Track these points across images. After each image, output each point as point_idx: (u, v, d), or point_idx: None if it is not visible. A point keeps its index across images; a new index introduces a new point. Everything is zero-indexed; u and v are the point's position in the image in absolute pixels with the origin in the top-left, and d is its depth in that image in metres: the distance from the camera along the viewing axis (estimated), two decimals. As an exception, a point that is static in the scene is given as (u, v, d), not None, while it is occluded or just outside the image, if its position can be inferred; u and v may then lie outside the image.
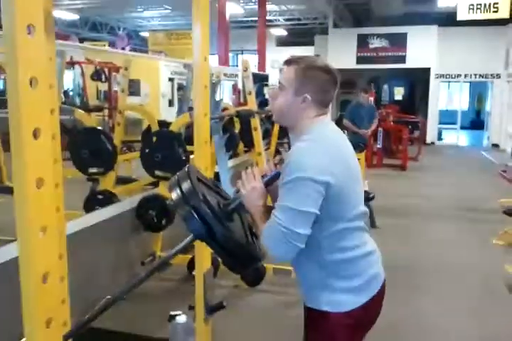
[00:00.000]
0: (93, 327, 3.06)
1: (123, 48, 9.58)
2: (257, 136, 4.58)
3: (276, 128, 6.39)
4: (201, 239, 1.41)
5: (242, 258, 1.45)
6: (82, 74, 10.21)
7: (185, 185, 1.40)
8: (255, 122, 4.59)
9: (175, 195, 1.40)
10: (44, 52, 1.09)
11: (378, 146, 7.38)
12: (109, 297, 3.44)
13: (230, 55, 14.35)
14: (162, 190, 3.87)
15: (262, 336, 3.08)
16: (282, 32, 17.46)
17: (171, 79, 12.74)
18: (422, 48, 13.85)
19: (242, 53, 18.81)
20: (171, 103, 12.57)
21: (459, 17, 10.23)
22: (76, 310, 2.09)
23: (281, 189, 1.46)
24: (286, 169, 1.45)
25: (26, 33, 1.02)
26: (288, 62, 1.58)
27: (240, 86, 11.53)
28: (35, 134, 1.04)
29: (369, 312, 1.58)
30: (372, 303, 1.56)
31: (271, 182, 1.59)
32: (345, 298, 1.52)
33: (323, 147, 1.48)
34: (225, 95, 13.58)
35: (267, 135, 6.32)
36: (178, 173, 1.49)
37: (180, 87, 11.90)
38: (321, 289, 1.53)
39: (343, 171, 1.48)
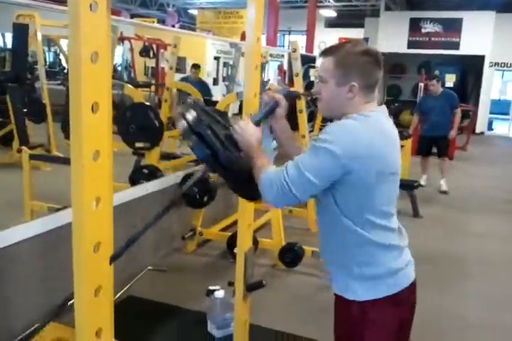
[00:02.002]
0: (133, 296, 3.18)
1: (173, 26, 9.62)
2: (302, 118, 4.56)
3: (321, 111, 6.32)
4: (206, 162, 1.48)
5: (248, 181, 1.51)
6: (131, 49, 10.35)
7: (190, 116, 1.48)
8: (301, 104, 4.56)
9: (181, 125, 1.46)
10: (105, 28, 1.11)
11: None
12: (150, 268, 3.54)
13: (277, 35, 14.20)
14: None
15: (294, 315, 3.11)
16: (332, 13, 17.12)
17: (216, 58, 12.75)
18: (478, 35, 13.30)
19: (290, 34, 18.59)
20: (215, 82, 12.60)
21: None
22: (117, 280, 2.15)
23: (309, 144, 1.46)
24: (323, 134, 1.43)
25: (89, 9, 1.04)
26: (324, 53, 1.52)
27: (285, 67, 11.43)
28: (94, 108, 1.07)
29: (401, 304, 1.55)
30: (407, 292, 1.54)
31: (266, 116, 1.69)
32: (376, 285, 1.51)
33: (367, 133, 1.42)
34: (270, 76, 13.50)
35: (311, 117, 6.28)
36: (181, 107, 1.56)
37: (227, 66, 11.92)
38: (352, 279, 1.52)
39: (377, 164, 1.42)
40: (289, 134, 1.79)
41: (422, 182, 6.50)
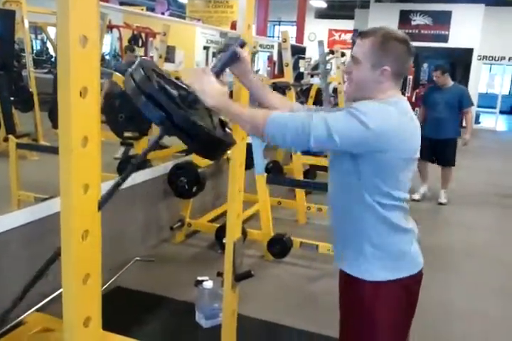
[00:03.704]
0: (121, 286, 3.16)
1: (162, 13, 9.52)
2: (292, 109, 4.54)
3: (310, 103, 6.32)
4: (162, 125, 1.33)
5: (207, 142, 1.38)
6: (120, 38, 10.22)
7: (138, 75, 1.33)
8: (291, 95, 4.55)
9: (129, 86, 1.33)
10: (94, 11, 1.08)
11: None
12: (138, 258, 3.52)
13: (267, 25, 14.11)
14: (194, 157, 3.89)
15: (282, 306, 3.12)
16: (322, 4, 17.05)
17: (206, 48, 12.66)
18: (467, 28, 13.33)
19: (280, 24, 18.50)
20: (204, 72, 12.51)
21: (510, -4, 9.81)
22: (104, 270, 2.14)
23: (341, 110, 1.44)
24: (357, 105, 1.43)
25: (78, -9, 1.01)
26: (363, 35, 1.53)
27: (275, 58, 11.38)
28: (82, 93, 1.04)
29: (411, 287, 1.61)
30: (413, 280, 1.60)
31: (228, 65, 1.54)
32: (387, 267, 1.53)
33: (399, 116, 1.45)
34: (260, 66, 13.42)
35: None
36: (131, 68, 1.39)
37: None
38: (363, 258, 1.54)
39: (406, 146, 1.46)
40: (259, 84, 1.67)
41: (416, 197, 5.69)
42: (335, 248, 1.69)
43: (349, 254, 1.57)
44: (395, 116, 1.44)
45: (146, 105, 1.29)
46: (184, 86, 1.52)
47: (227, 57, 1.55)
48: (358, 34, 1.55)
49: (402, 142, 1.45)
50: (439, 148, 5.56)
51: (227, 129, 1.62)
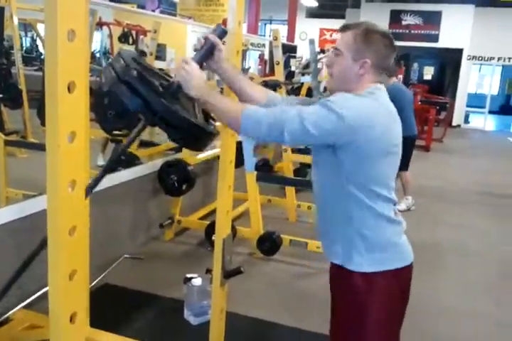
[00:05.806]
0: (110, 283, 3.15)
1: (153, 11, 9.48)
2: (282, 107, 4.54)
3: (301, 101, 6.32)
4: (141, 113, 1.32)
5: (187, 129, 1.39)
6: (110, 36, 10.15)
7: (118, 65, 1.32)
8: (281, 93, 4.54)
9: (108, 75, 1.32)
10: (82, 5, 1.08)
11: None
12: (126, 256, 3.51)
13: (258, 24, 14.10)
14: (184, 155, 3.88)
15: (271, 303, 3.12)
16: (313, 3, 17.07)
17: (197, 46, 12.62)
18: (456, 28, 13.43)
19: (271, 23, 18.51)
20: (195, 70, 12.48)
21: (499, -4, 9.87)
22: (93, 265, 2.13)
23: (316, 103, 1.45)
24: (331, 97, 1.45)
25: (66, -15, 1.01)
26: (345, 28, 1.54)
27: (266, 56, 11.38)
28: (70, 88, 1.04)
29: (402, 279, 1.60)
30: (406, 270, 1.59)
31: (207, 56, 1.53)
32: (381, 259, 1.54)
33: (372, 105, 1.46)
34: (251, 65, 13.41)
35: (291, 107, 6.26)
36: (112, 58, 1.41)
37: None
38: (355, 251, 1.53)
39: (381, 135, 1.45)
40: (232, 72, 1.63)
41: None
42: (324, 243, 1.68)
43: (340, 248, 1.57)
44: (369, 108, 1.45)
45: (125, 93, 1.28)
46: (166, 76, 1.53)
47: (209, 47, 1.53)
48: (341, 27, 1.56)
49: (378, 134, 1.44)
50: None
51: (211, 121, 1.63)
